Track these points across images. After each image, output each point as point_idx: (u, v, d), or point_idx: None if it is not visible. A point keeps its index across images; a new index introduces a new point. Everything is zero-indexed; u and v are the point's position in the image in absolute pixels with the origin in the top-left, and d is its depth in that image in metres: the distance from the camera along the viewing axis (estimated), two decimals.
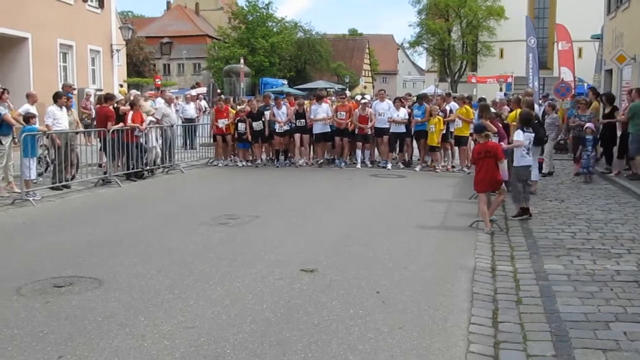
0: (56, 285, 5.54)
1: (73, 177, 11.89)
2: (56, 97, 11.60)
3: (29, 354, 4.07)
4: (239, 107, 15.63)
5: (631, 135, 12.04)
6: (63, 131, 11.33)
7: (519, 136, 8.71)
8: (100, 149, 12.98)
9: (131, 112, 12.69)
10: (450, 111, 14.83)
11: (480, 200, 8.16)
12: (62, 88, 14.60)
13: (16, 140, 11.02)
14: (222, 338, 4.36)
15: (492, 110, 11.52)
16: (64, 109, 11.58)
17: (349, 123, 14.81)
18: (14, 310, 4.88)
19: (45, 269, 6.03)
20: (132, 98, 13.80)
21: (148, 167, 13.38)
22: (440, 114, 14.47)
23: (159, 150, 13.81)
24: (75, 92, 17.23)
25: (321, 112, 14.97)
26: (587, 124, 12.40)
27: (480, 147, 8.09)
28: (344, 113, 14.85)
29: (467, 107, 14.48)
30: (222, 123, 15.33)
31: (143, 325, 4.58)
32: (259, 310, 4.92)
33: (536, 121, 10.75)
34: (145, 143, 13.14)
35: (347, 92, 19.13)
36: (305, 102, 16.29)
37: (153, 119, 13.73)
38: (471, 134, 13.97)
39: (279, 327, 4.56)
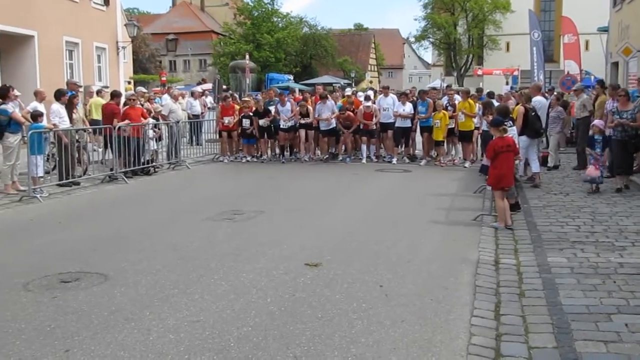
0: (63, 280, 5.61)
1: (85, 173, 12.01)
2: (59, 95, 11.63)
3: (36, 348, 4.14)
4: (243, 103, 15.67)
5: None
6: (70, 129, 11.40)
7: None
8: (98, 146, 13.01)
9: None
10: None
11: (497, 196, 7.83)
12: (67, 85, 14.64)
13: (25, 139, 11.09)
14: (227, 332, 4.41)
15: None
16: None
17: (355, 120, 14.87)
18: (21, 305, 4.95)
19: (52, 265, 6.10)
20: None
21: (153, 164, 13.46)
22: (450, 108, 14.45)
23: (151, 146, 13.73)
24: (81, 89, 17.31)
25: (326, 111, 14.98)
26: (595, 122, 11.04)
27: (501, 141, 7.79)
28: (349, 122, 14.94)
29: (470, 101, 14.43)
30: (227, 120, 15.39)
31: (148, 320, 4.63)
32: (263, 304, 4.97)
33: (533, 113, 10.73)
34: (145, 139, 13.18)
35: (348, 90, 18.84)
36: (309, 100, 16.17)
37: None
38: (476, 128, 13.97)
39: (282, 321, 4.61)
